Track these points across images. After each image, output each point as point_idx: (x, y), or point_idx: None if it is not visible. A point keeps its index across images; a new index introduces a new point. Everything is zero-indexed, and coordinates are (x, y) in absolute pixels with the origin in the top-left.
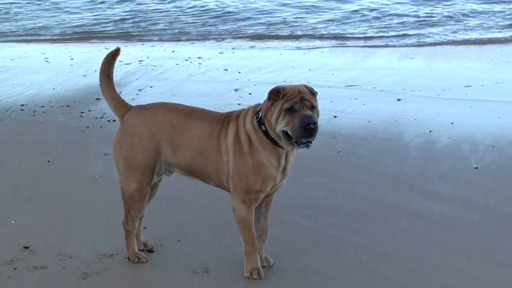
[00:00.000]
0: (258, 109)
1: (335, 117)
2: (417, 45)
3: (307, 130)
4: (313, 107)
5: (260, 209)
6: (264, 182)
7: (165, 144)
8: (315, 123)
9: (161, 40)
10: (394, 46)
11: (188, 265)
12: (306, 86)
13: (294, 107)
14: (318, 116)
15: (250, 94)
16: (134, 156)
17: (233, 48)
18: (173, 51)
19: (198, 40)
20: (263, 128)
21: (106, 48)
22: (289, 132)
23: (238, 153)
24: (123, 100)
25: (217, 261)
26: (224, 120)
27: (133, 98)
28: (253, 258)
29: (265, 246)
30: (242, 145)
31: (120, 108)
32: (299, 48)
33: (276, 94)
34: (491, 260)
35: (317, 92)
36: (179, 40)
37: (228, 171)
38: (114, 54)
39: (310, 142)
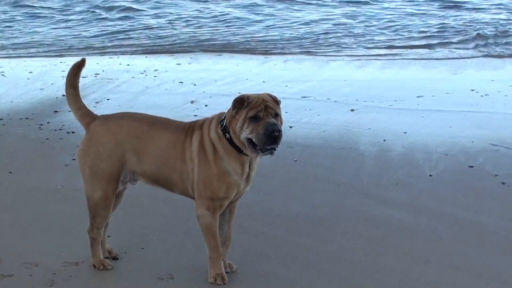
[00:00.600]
0: (223, 117)
1: (290, 127)
2: (368, 56)
3: (271, 138)
4: (277, 115)
5: (224, 216)
6: (228, 189)
7: (130, 153)
8: (279, 131)
9: (115, 53)
10: (346, 56)
11: (153, 271)
12: (269, 95)
13: (258, 115)
14: (281, 123)
15: (206, 105)
16: (99, 165)
17: (189, 63)
18: (128, 64)
19: (152, 53)
20: (228, 136)
21: (61, 62)
22: (253, 140)
23: (203, 161)
24: (89, 109)
25: (182, 267)
26: (188, 129)
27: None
28: (217, 264)
29: (228, 252)
30: (207, 153)
31: (86, 117)
32: (253, 60)
33: (240, 102)
34: (448, 264)
35: (280, 101)
36: (134, 54)
37: (193, 179)
38: (80, 65)
39: (274, 149)
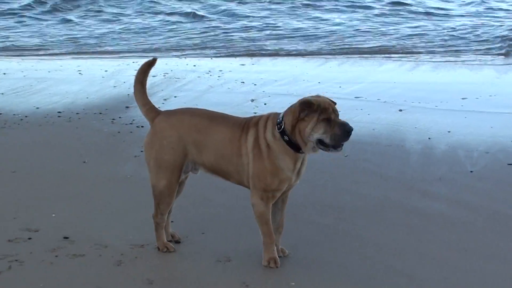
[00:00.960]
0: (280, 119)
1: None
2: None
3: (346, 136)
4: (338, 116)
5: (276, 205)
6: (281, 183)
7: (191, 146)
8: (352, 129)
9: (183, 54)
10: (397, 60)
11: (212, 254)
12: (329, 98)
13: (330, 118)
14: None
15: (265, 104)
16: (163, 156)
17: (252, 64)
18: (194, 65)
19: (218, 56)
20: (286, 138)
21: (133, 62)
22: (326, 139)
23: (257, 156)
24: (153, 105)
25: (238, 251)
26: (244, 125)
27: (159, 107)
28: (270, 249)
29: (281, 238)
30: (261, 151)
31: (151, 112)
32: (310, 62)
33: (309, 105)
34: (485, 254)
35: (336, 103)
36: (200, 55)
37: (248, 171)
38: (151, 63)
39: (342, 145)
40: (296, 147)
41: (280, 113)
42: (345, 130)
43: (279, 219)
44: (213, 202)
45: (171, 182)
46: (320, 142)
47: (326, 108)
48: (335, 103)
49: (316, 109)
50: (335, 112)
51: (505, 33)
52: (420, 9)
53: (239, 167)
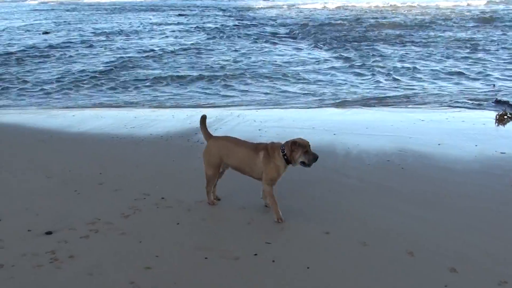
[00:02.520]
0: (282, 148)
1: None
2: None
3: (315, 160)
4: (310, 148)
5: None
6: (278, 176)
7: (223, 155)
8: (318, 157)
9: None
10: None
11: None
12: (305, 140)
13: (308, 151)
14: None
15: (265, 131)
16: (210, 159)
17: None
18: (238, 115)
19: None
20: (285, 157)
21: (198, 112)
22: (306, 161)
23: (266, 164)
24: (209, 132)
25: (337, 224)
26: (256, 148)
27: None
28: (276, 211)
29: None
30: (269, 161)
31: (207, 137)
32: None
33: (296, 145)
34: (374, 204)
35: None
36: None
37: (259, 170)
38: (205, 117)
39: (311, 165)
40: (288, 162)
41: (279, 143)
42: (315, 157)
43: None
44: (296, 194)
45: (213, 173)
46: (301, 162)
47: (305, 145)
48: (308, 143)
49: (299, 146)
50: (309, 147)
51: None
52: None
53: (252, 168)
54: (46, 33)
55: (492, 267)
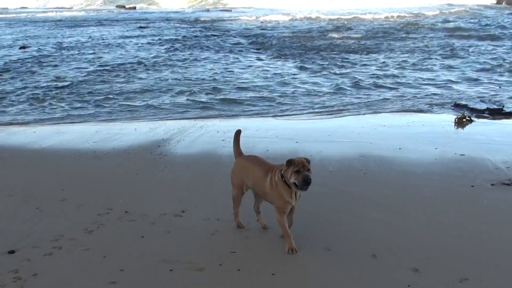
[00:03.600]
0: (281, 170)
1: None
2: None
3: (306, 183)
4: (308, 170)
5: (289, 215)
6: (285, 204)
7: (244, 176)
8: (310, 179)
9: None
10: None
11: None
12: (305, 158)
13: (299, 170)
14: (311, 173)
15: (229, 141)
16: (233, 179)
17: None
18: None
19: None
20: (283, 179)
21: (161, 125)
22: (296, 183)
23: (270, 189)
24: (239, 149)
25: (301, 230)
26: (267, 170)
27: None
28: (289, 241)
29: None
30: (273, 186)
31: (236, 154)
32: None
33: (289, 163)
34: (335, 209)
35: (310, 161)
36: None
37: (268, 194)
38: (239, 132)
39: (307, 188)
40: (288, 186)
41: (283, 164)
42: (305, 179)
43: (289, 220)
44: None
45: (236, 193)
46: (293, 184)
47: (298, 164)
48: (309, 161)
49: (292, 164)
50: (305, 166)
51: None
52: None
53: (264, 192)
54: (23, 47)
55: (454, 266)
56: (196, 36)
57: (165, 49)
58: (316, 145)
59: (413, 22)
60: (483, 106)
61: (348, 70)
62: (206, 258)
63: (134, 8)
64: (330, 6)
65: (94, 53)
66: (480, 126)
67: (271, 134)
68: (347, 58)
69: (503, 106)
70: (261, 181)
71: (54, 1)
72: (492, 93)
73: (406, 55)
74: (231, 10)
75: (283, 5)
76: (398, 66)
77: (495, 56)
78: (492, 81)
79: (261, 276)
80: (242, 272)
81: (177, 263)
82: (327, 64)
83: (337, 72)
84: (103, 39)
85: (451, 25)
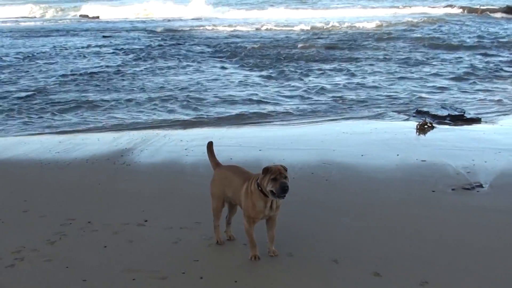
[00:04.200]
0: (258, 178)
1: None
2: None
3: (284, 190)
4: (286, 177)
5: (267, 226)
6: (257, 214)
7: (225, 186)
8: (288, 186)
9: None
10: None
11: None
12: (282, 165)
13: (276, 178)
14: (288, 181)
15: (192, 150)
16: (213, 190)
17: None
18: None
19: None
20: (259, 188)
21: (124, 135)
22: (274, 191)
23: (245, 198)
24: (216, 160)
25: (264, 237)
26: (245, 180)
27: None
28: (252, 250)
29: (273, 245)
30: (248, 195)
31: (214, 165)
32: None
33: (266, 171)
34: (303, 213)
35: (287, 168)
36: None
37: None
38: (210, 145)
39: (284, 196)
40: (265, 194)
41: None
42: (282, 187)
43: (270, 234)
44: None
45: (217, 205)
46: (271, 192)
47: (275, 171)
48: (286, 169)
49: (269, 172)
50: (282, 174)
51: None
52: None
53: (240, 201)
54: None
55: (414, 269)
56: (160, 45)
57: (129, 58)
58: (279, 152)
59: (384, 31)
60: (444, 112)
61: (312, 78)
62: (169, 266)
63: (98, 17)
64: (304, 15)
65: (57, 62)
66: (442, 132)
67: (235, 142)
68: (312, 67)
69: (464, 113)
70: (238, 190)
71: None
72: (454, 100)
73: (372, 63)
74: (201, 19)
75: (254, 15)
76: (362, 74)
77: (458, 65)
78: (455, 88)
79: (224, 283)
80: (205, 280)
81: (140, 272)
82: (292, 72)
83: (302, 80)
84: (66, 49)
85: (418, 33)
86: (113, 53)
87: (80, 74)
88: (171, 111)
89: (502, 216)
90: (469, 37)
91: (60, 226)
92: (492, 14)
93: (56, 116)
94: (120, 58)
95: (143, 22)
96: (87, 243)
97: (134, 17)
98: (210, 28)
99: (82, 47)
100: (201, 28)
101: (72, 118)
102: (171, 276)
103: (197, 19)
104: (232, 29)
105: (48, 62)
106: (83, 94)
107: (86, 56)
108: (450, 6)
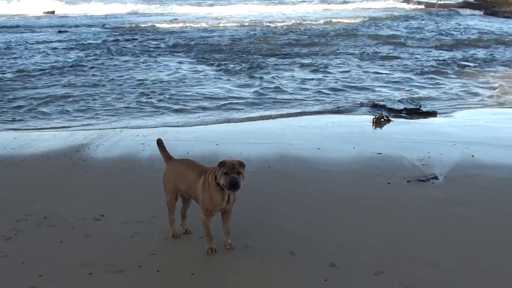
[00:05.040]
0: (215, 171)
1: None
2: None
3: (232, 185)
4: (239, 173)
5: (223, 219)
6: (214, 206)
7: (178, 180)
8: (237, 182)
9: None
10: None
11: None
12: (238, 161)
13: (227, 172)
14: (243, 177)
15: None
16: (166, 184)
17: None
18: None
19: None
20: (216, 181)
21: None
22: (224, 184)
23: (203, 190)
24: (169, 154)
25: (220, 230)
26: (201, 173)
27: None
28: (209, 243)
29: (228, 238)
30: (205, 187)
31: (166, 159)
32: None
33: (220, 164)
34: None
35: (245, 164)
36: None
37: (198, 197)
38: (159, 142)
39: (234, 190)
40: (221, 188)
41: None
42: (231, 181)
43: (226, 227)
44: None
45: (170, 198)
46: (224, 185)
47: (228, 166)
48: (242, 164)
49: (222, 166)
50: (234, 169)
51: None
52: None
53: (196, 194)
54: None
55: (369, 260)
56: (117, 40)
57: (84, 53)
58: (236, 147)
59: (346, 28)
60: (400, 106)
61: (269, 73)
62: (125, 260)
63: (53, 12)
64: (270, 10)
65: (10, 58)
66: (398, 126)
67: (191, 136)
68: (269, 62)
69: (420, 106)
70: (194, 183)
71: None
72: (410, 94)
73: (329, 58)
74: (163, 14)
75: (222, 10)
76: (320, 69)
77: (415, 60)
78: (411, 82)
79: (181, 276)
80: (161, 273)
81: (97, 267)
82: (249, 68)
83: (259, 75)
84: (20, 44)
85: (376, 29)
86: (69, 48)
87: (36, 70)
88: (127, 107)
89: (456, 207)
90: (426, 33)
91: (16, 222)
92: (450, 9)
93: (10, 112)
94: (76, 53)
95: (103, 17)
96: (44, 238)
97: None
98: (165, 25)
99: (37, 42)
100: (156, 24)
101: (27, 114)
102: (127, 270)
103: (147, 15)
104: (185, 24)
105: (2, 57)
106: (39, 90)
107: (42, 51)
108: (407, 1)
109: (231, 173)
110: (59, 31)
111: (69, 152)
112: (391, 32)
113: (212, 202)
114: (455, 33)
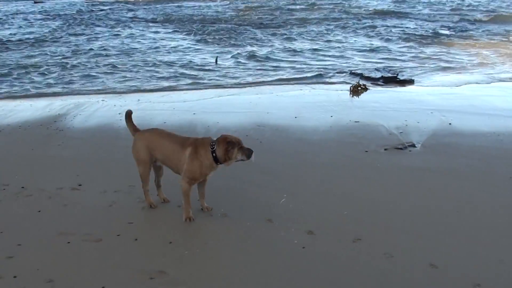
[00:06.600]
0: (213, 144)
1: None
2: None
3: (250, 154)
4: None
5: (199, 184)
6: (201, 175)
7: (152, 149)
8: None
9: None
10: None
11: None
12: (227, 135)
13: (242, 147)
14: None
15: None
16: (138, 155)
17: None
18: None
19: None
20: (214, 155)
21: (57, 100)
22: (244, 158)
23: (191, 160)
24: (135, 126)
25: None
26: (184, 143)
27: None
28: (187, 211)
29: (204, 201)
30: (195, 157)
31: (132, 131)
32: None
33: (232, 143)
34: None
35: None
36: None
37: (183, 166)
38: (128, 114)
39: (251, 158)
40: (216, 161)
41: (209, 138)
42: (250, 152)
43: (202, 191)
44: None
45: (144, 169)
46: (241, 159)
47: (238, 142)
48: (240, 139)
49: (235, 144)
50: (241, 142)
51: None
52: None
53: (177, 164)
54: None
55: (348, 227)
56: (92, 11)
57: (60, 23)
58: (213, 116)
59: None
60: (378, 74)
61: (247, 44)
62: (103, 229)
63: None
64: None
65: None
66: (375, 94)
67: (168, 106)
68: (247, 33)
69: (398, 74)
70: (175, 153)
71: None
72: (388, 62)
73: (308, 28)
74: None
75: None
76: (298, 39)
77: (392, 29)
78: (388, 51)
79: (159, 244)
80: (139, 242)
81: (75, 236)
82: (225, 38)
83: (235, 45)
84: None
85: (352, 1)
86: (43, 19)
87: (10, 41)
88: (102, 77)
89: (433, 174)
90: (403, 4)
91: None
92: None
93: None
94: (51, 23)
95: None
96: (22, 208)
97: None
98: None
99: (12, 13)
100: None
101: (2, 84)
102: (105, 239)
103: None
104: None
105: None
106: (14, 60)
107: (17, 22)
108: None
109: (243, 146)
110: (35, 2)
111: (46, 122)
112: (368, 3)
113: (200, 171)
114: (433, 4)
